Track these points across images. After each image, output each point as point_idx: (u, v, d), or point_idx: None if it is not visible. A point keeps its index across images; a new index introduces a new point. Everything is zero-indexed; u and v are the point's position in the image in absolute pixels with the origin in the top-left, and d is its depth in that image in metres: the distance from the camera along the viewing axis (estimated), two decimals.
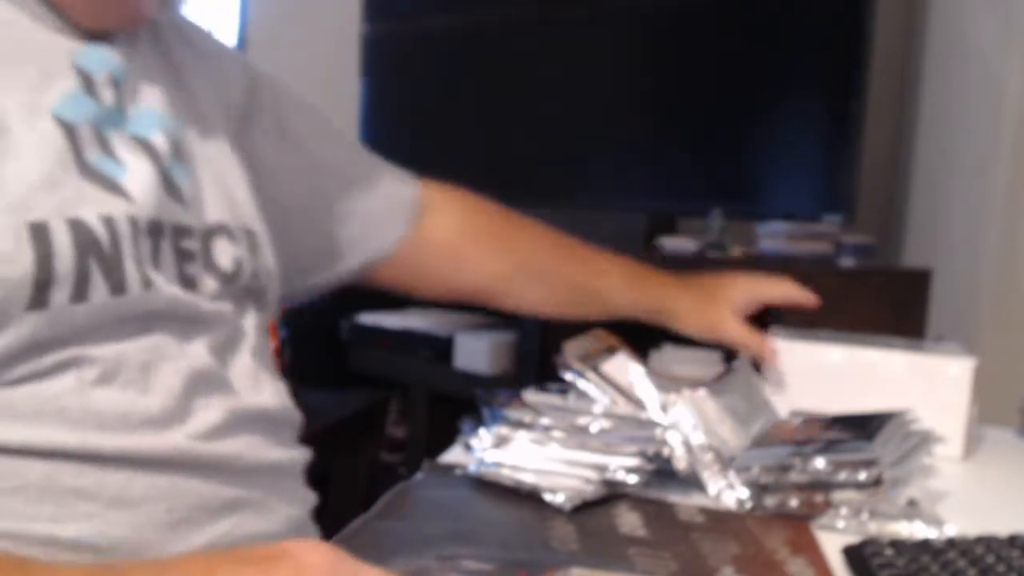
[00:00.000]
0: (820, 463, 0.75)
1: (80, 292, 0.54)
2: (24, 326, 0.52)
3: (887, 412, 0.87)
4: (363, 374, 2.32)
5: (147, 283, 0.59)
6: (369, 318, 2.36)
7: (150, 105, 0.65)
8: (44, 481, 0.54)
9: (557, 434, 0.82)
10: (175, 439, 0.60)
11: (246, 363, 0.68)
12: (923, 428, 0.85)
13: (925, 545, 0.64)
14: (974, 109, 1.78)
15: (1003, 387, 1.53)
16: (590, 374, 0.88)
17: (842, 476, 0.74)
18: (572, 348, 0.92)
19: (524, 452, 0.81)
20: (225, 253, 0.67)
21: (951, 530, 0.70)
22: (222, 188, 0.69)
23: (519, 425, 0.84)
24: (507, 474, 0.78)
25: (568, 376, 0.89)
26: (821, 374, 0.94)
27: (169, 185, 0.63)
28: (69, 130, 0.57)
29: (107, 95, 0.61)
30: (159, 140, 0.64)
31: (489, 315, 2.32)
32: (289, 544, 0.48)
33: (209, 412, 0.63)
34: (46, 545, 0.54)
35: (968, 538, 0.65)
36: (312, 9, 2.76)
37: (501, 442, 0.83)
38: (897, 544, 0.64)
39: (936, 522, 0.72)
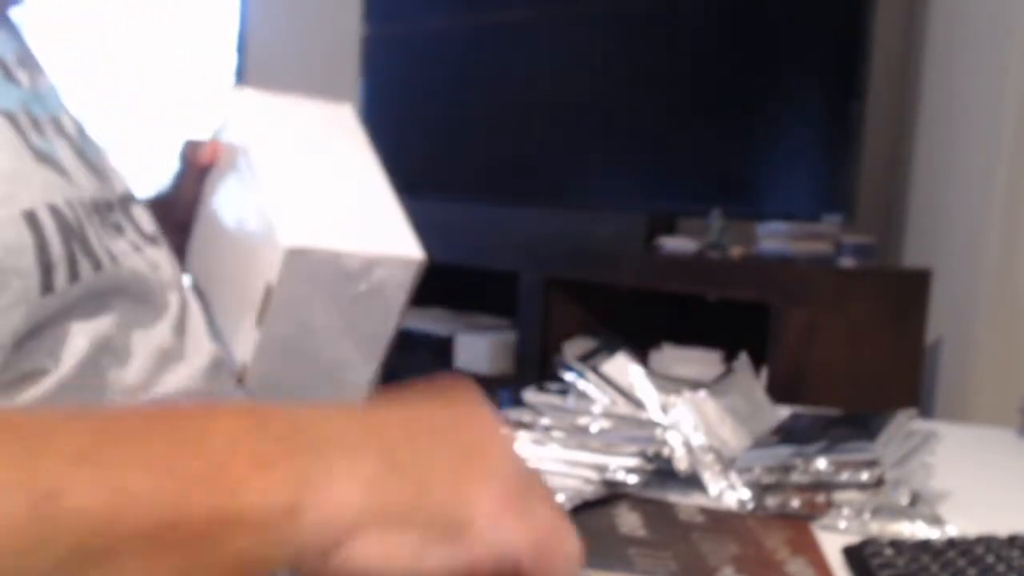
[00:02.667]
0: (822, 463, 0.75)
1: (73, 273, 0.56)
2: (39, 310, 0.54)
3: (889, 412, 0.87)
4: None
5: (112, 257, 0.60)
6: None
7: (49, 82, 0.65)
8: None
9: (557, 434, 0.82)
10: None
11: (198, 322, 0.70)
12: (925, 428, 0.85)
13: (925, 545, 0.64)
14: (974, 109, 1.78)
15: (1003, 387, 1.53)
16: (590, 374, 0.88)
17: (844, 476, 0.74)
18: (572, 348, 0.92)
19: (524, 452, 0.81)
20: (143, 217, 0.68)
21: (951, 530, 0.70)
22: (112, 160, 0.70)
23: (519, 425, 0.84)
24: None
25: (568, 376, 0.89)
26: None
27: (86, 162, 0.63)
28: (11, 119, 0.57)
29: (23, 78, 0.62)
30: (66, 117, 0.64)
31: (489, 315, 2.32)
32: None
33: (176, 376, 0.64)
34: None
35: (968, 538, 0.65)
36: (312, 9, 2.76)
37: None
38: (897, 544, 0.64)
39: (937, 522, 0.72)
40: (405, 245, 0.65)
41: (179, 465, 0.32)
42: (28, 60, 0.64)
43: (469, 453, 0.37)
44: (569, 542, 0.39)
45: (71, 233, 0.56)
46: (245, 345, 0.68)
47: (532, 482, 0.39)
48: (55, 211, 0.56)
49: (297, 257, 0.61)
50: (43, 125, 0.61)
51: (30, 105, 0.60)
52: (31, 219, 0.54)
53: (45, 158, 0.58)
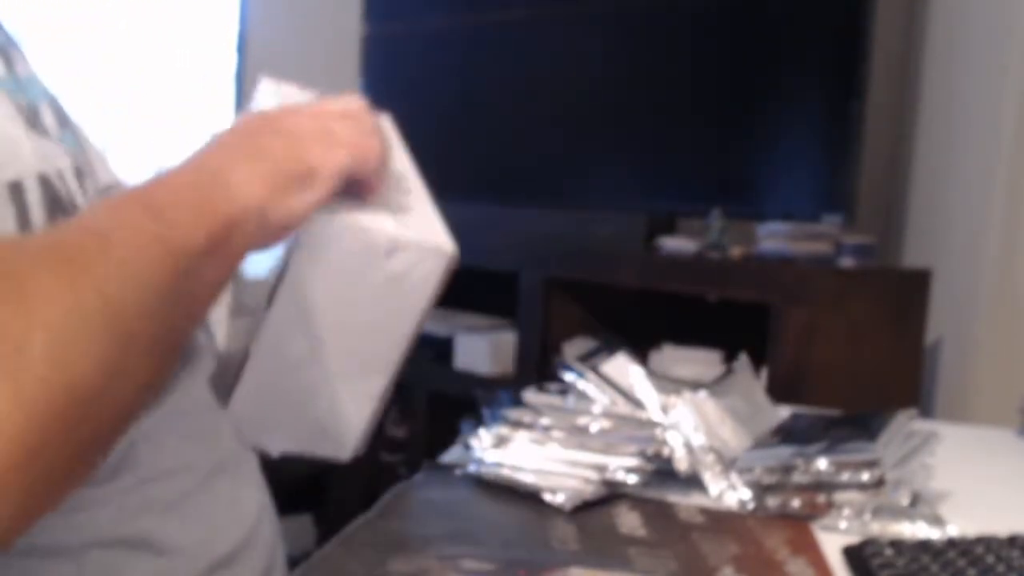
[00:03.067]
0: (823, 464, 0.75)
1: None
2: None
3: (889, 412, 0.87)
4: None
5: None
6: None
7: (30, 70, 0.64)
8: None
9: (557, 434, 0.82)
10: None
11: None
12: (926, 429, 0.85)
13: (925, 545, 0.64)
14: (974, 109, 1.78)
15: (1003, 387, 1.53)
16: (590, 374, 0.88)
17: (845, 477, 0.74)
18: (572, 348, 0.92)
19: (524, 452, 0.81)
20: None
21: (951, 530, 0.70)
22: (97, 151, 0.69)
23: (519, 425, 0.84)
24: (507, 474, 0.78)
25: (568, 376, 0.89)
26: None
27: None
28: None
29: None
30: (46, 108, 0.63)
31: (489, 315, 2.32)
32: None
33: None
34: None
35: (968, 538, 0.65)
36: (312, 9, 2.76)
37: (501, 442, 0.83)
38: (897, 544, 0.64)
39: (938, 522, 0.72)
40: (437, 237, 0.61)
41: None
42: (7, 48, 0.62)
43: (296, 137, 0.56)
44: (370, 140, 0.60)
45: (56, 205, 0.55)
46: (246, 331, 0.63)
47: (332, 120, 0.58)
48: (44, 181, 0.55)
49: (322, 220, 0.57)
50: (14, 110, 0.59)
51: (9, 92, 0.59)
52: (15, 190, 0.53)
53: (41, 130, 0.57)
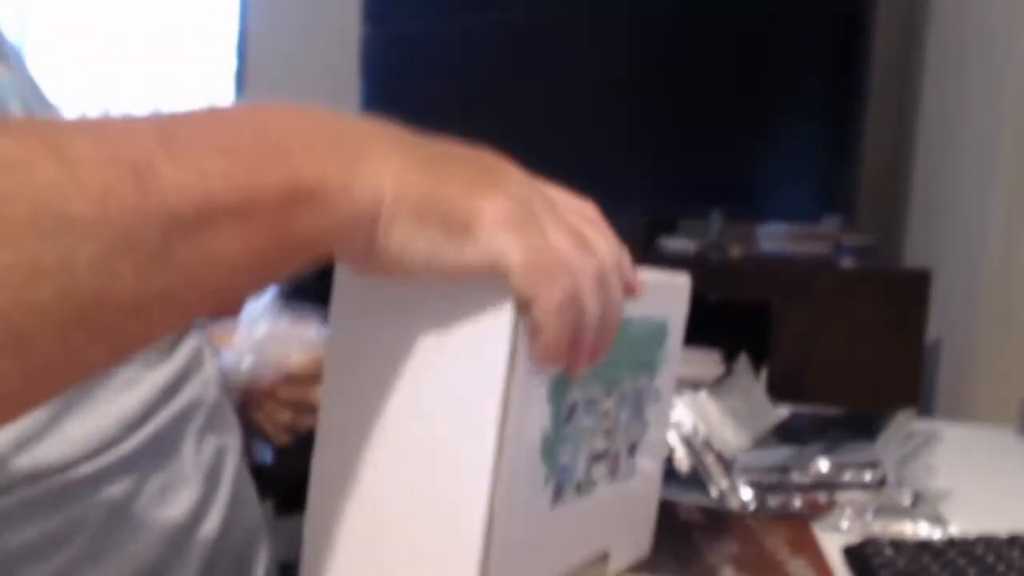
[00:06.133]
0: (823, 464, 0.75)
1: None
2: None
3: (889, 413, 0.87)
4: None
5: None
6: None
7: (5, 72, 0.64)
8: None
9: None
10: None
11: None
12: (926, 429, 0.85)
13: (925, 545, 0.64)
14: (975, 109, 1.78)
15: (1003, 387, 1.53)
16: None
17: (846, 477, 0.74)
18: None
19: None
20: None
21: (952, 530, 0.71)
22: None
23: None
24: None
25: None
26: None
27: None
28: None
29: None
30: (16, 108, 0.62)
31: None
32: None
33: None
34: None
35: (968, 538, 0.65)
36: (312, 9, 2.76)
37: None
38: (897, 544, 0.64)
39: (939, 522, 0.72)
40: None
41: (243, 149, 0.35)
42: None
43: (486, 172, 0.41)
44: (577, 274, 0.39)
45: None
46: None
47: (553, 209, 0.41)
48: None
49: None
50: None
51: None
52: None
53: None
